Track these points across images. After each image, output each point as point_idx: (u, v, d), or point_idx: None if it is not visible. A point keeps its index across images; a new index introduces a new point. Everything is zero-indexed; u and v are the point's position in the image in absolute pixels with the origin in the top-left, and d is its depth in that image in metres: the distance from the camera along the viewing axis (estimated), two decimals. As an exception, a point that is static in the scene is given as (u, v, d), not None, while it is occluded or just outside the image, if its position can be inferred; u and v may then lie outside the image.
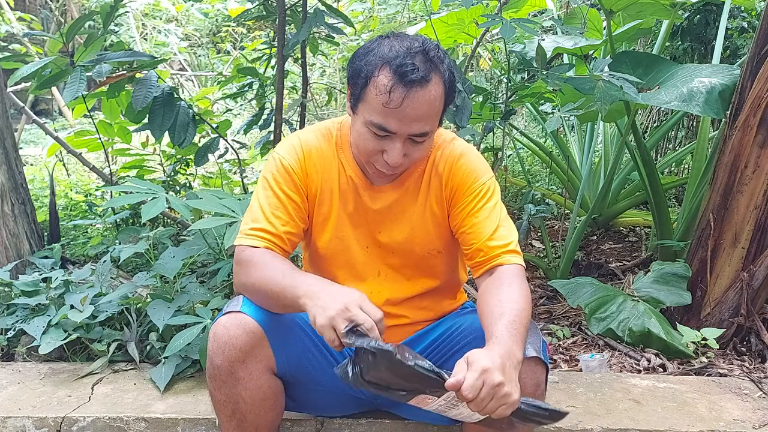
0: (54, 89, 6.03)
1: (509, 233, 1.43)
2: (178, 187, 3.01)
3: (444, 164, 1.48)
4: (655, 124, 4.52)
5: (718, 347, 2.28)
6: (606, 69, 2.32)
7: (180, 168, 3.06)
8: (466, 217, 1.44)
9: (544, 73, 2.43)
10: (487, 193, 1.45)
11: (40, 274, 2.32)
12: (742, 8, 3.79)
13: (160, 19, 7.69)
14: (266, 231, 1.40)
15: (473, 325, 1.43)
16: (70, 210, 3.61)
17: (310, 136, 1.51)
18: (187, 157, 3.02)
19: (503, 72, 3.82)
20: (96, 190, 3.88)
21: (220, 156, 2.86)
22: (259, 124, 2.80)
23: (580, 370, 2.18)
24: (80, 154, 3.13)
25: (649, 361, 2.23)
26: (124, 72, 2.48)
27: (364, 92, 1.31)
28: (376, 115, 1.30)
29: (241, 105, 5.52)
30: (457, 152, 1.48)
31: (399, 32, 1.38)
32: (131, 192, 2.11)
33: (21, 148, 4.36)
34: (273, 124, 2.65)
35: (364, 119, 1.33)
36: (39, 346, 2.00)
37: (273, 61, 2.80)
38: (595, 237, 3.75)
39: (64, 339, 2.02)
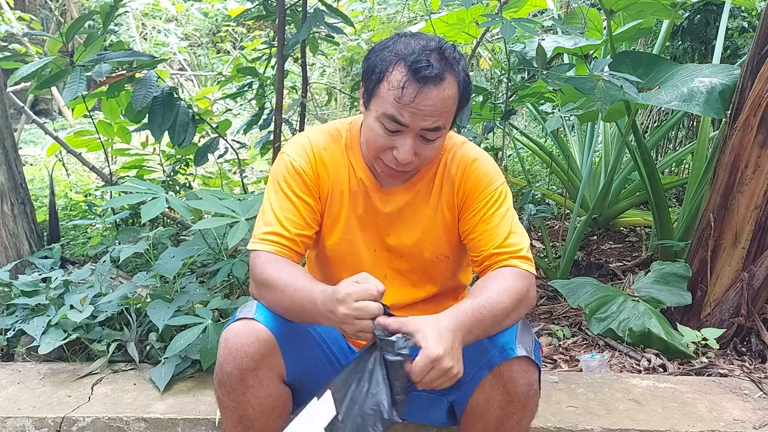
0: (54, 89, 6.03)
1: (520, 240, 1.41)
2: (177, 187, 3.00)
3: (457, 168, 1.46)
4: (655, 124, 4.52)
5: (718, 347, 2.28)
6: (606, 69, 2.31)
7: (180, 168, 3.06)
8: (477, 223, 1.43)
9: (544, 73, 2.43)
10: (499, 198, 1.44)
11: (40, 274, 2.32)
12: (743, 8, 3.79)
13: (160, 18, 7.69)
14: (279, 235, 1.39)
15: None
16: (70, 210, 3.61)
17: (319, 136, 1.49)
18: (187, 157, 3.02)
19: (503, 72, 3.82)
20: (96, 190, 3.88)
21: (220, 156, 2.86)
22: (259, 124, 2.80)
23: (581, 370, 2.18)
24: (80, 154, 3.13)
25: (649, 361, 2.23)
26: (124, 72, 2.48)
27: (377, 88, 1.31)
28: (388, 108, 1.29)
29: (241, 105, 5.52)
30: (470, 156, 1.47)
31: (416, 32, 1.38)
32: (131, 192, 2.10)
33: (21, 148, 4.36)
34: (273, 124, 2.65)
35: (376, 113, 1.32)
36: (39, 346, 2.00)
37: (273, 61, 2.80)
38: (596, 237, 3.75)
39: (64, 339, 2.02)
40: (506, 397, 1.32)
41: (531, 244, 3.59)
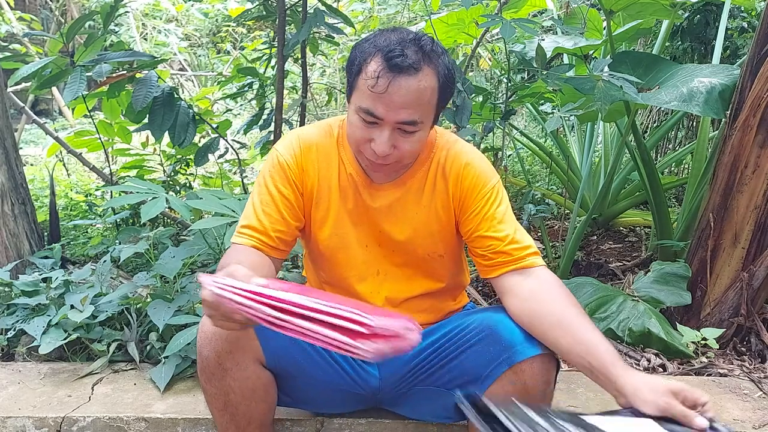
0: (54, 89, 6.04)
1: (524, 236, 1.44)
2: (178, 187, 3.01)
3: (451, 167, 1.47)
4: (655, 124, 4.52)
5: (718, 347, 2.28)
6: (606, 69, 2.32)
7: (180, 168, 3.06)
8: (481, 221, 1.44)
9: (544, 73, 2.43)
10: (498, 196, 1.45)
11: (40, 274, 2.32)
12: (742, 8, 3.79)
13: (160, 19, 7.70)
14: (254, 228, 1.41)
15: (483, 323, 1.40)
16: (70, 210, 3.61)
17: (311, 131, 1.51)
18: (187, 157, 3.02)
19: (503, 72, 3.83)
20: (96, 190, 3.88)
21: (220, 156, 2.86)
22: (259, 124, 2.80)
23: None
24: (80, 154, 3.13)
25: (649, 361, 2.23)
26: (124, 72, 2.48)
27: (356, 80, 1.32)
28: (364, 100, 1.30)
29: (241, 105, 5.53)
30: (464, 155, 1.48)
31: (399, 27, 1.39)
32: (131, 192, 2.11)
33: (21, 148, 4.36)
34: (273, 124, 2.65)
35: (355, 106, 1.33)
36: (39, 346, 2.00)
37: (273, 61, 2.80)
38: (595, 237, 3.75)
39: (64, 339, 2.02)
40: (524, 394, 1.32)
41: (531, 244, 3.60)
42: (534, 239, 3.72)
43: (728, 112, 2.44)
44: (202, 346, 1.36)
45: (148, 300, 2.09)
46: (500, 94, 3.92)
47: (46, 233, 2.87)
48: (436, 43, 1.33)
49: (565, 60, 3.39)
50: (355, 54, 1.33)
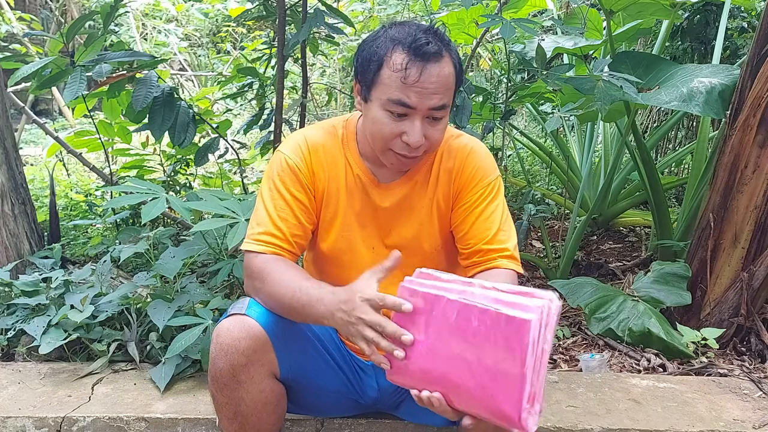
0: (54, 89, 6.03)
1: (508, 237, 1.42)
2: (178, 187, 3.01)
3: (454, 158, 1.47)
4: (655, 124, 4.52)
5: (718, 347, 2.28)
6: (606, 69, 2.32)
7: (180, 168, 3.06)
8: (468, 215, 1.43)
9: (544, 73, 2.43)
10: (492, 191, 1.44)
11: (40, 274, 2.32)
12: (742, 8, 3.79)
13: (160, 19, 7.69)
14: (273, 235, 1.38)
15: None
16: (70, 210, 3.61)
17: (316, 133, 1.49)
18: (187, 157, 3.02)
19: (503, 72, 3.82)
20: (96, 190, 3.88)
21: (220, 156, 2.86)
22: (259, 124, 2.80)
23: (580, 370, 2.18)
24: (80, 154, 3.13)
25: (649, 361, 2.23)
26: (125, 72, 2.48)
27: (377, 76, 1.31)
28: (393, 92, 1.29)
29: (241, 105, 5.52)
30: (467, 147, 1.48)
31: (405, 21, 1.40)
32: (131, 192, 2.10)
33: (21, 148, 4.36)
34: (273, 124, 2.65)
35: (381, 102, 1.31)
36: (39, 346, 2.00)
37: (273, 61, 2.80)
38: (595, 237, 3.75)
39: (64, 339, 2.02)
40: None
41: (531, 243, 3.60)
42: (534, 239, 3.71)
43: (728, 112, 2.44)
44: (216, 357, 1.33)
45: (148, 300, 2.09)
46: (500, 94, 3.92)
47: (46, 233, 2.87)
48: (445, 33, 1.35)
49: (565, 60, 3.39)
50: (372, 51, 1.32)
